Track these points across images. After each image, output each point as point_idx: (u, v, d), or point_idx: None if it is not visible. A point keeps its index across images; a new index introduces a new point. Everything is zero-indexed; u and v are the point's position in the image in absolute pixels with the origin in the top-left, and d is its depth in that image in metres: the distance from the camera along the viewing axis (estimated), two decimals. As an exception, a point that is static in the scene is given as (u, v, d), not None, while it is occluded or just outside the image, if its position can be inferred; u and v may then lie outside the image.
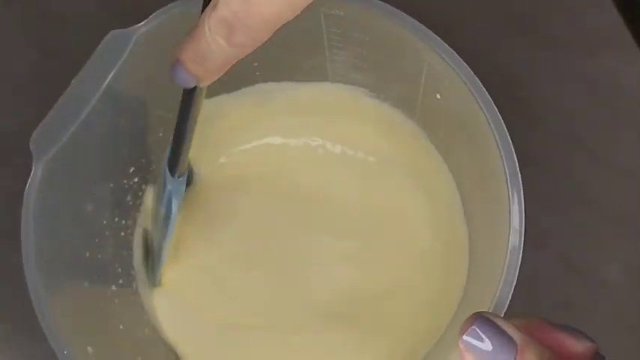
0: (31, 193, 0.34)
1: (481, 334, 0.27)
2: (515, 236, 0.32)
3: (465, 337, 0.27)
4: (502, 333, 0.27)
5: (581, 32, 0.50)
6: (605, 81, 0.49)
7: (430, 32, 0.35)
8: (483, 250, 0.38)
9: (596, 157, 0.47)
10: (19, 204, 0.46)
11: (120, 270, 0.40)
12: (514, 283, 0.32)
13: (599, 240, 0.46)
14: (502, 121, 0.34)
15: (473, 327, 0.27)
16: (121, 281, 0.40)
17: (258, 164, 0.45)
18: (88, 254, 0.37)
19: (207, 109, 0.35)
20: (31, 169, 0.46)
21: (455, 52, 0.35)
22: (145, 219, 0.42)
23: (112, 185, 0.40)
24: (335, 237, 0.43)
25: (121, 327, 0.38)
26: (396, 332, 0.41)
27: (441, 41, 0.35)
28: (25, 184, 0.47)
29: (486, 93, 0.34)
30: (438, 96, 0.38)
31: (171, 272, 0.42)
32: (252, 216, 0.44)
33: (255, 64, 0.41)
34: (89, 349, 0.33)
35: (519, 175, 0.33)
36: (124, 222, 0.41)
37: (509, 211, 0.32)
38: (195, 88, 0.32)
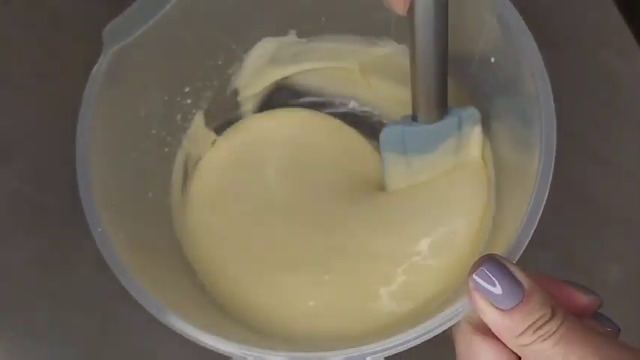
0: (95, 78, 0.36)
1: (490, 275, 0.28)
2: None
3: (474, 276, 0.28)
4: (510, 276, 0.28)
5: (581, 32, 0.50)
6: (605, 81, 0.49)
7: None
8: (508, 213, 0.37)
9: (596, 157, 0.47)
10: (19, 204, 0.46)
11: (157, 182, 0.41)
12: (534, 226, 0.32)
13: (599, 240, 0.46)
14: (552, 98, 0.34)
15: (482, 267, 0.28)
16: (158, 192, 0.41)
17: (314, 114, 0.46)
18: (133, 155, 0.39)
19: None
20: (30, 170, 0.46)
21: (519, 14, 0.35)
22: (188, 145, 0.43)
23: (166, 98, 0.41)
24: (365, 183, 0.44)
25: (152, 231, 0.40)
26: (418, 275, 0.40)
27: (508, 1, 0.35)
28: (25, 184, 0.47)
29: (541, 60, 0.34)
30: (492, 59, 0.38)
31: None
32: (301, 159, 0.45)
33: (323, 16, 0.42)
34: (121, 234, 0.34)
35: (554, 150, 0.33)
36: (169, 139, 0.42)
37: (536, 180, 0.33)
38: None
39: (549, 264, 0.45)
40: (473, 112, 0.39)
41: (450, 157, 0.41)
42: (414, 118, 0.39)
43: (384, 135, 0.40)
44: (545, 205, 0.32)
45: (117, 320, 0.43)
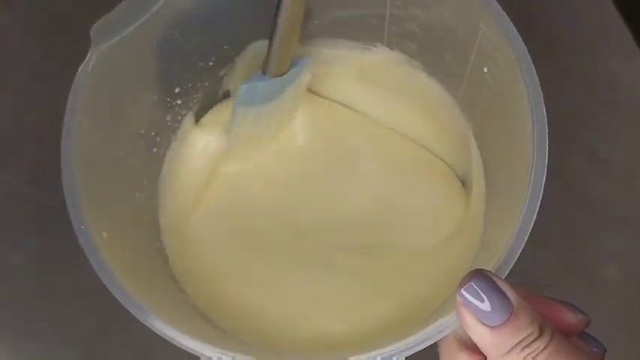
0: (82, 76, 0.35)
1: (478, 290, 0.28)
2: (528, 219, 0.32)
3: (462, 291, 0.28)
4: (499, 292, 0.28)
5: (581, 32, 0.50)
6: (605, 81, 0.49)
7: None
8: (499, 221, 0.37)
9: (596, 157, 0.47)
10: (19, 204, 0.46)
11: (145, 182, 0.41)
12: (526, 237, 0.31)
13: (599, 240, 0.46)
14: (544, 107, 0.33)
15: (471, 283, 0.28)
16: (144, 193, 0.41)
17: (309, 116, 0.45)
18: (121, 154, 0.38)
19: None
20: (30, 170, 0.46)
21: (512, 23, 0.35)
22: (178, 146, 0.43)
23: (155, 98, 0.40)
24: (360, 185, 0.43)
25: (138, 231, 0.39)
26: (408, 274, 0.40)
27: (501, 9, 0.35)
28: (25, 185, 0.47)
29: (534, 72, 0.34)
30: (485, 69, 0.37)
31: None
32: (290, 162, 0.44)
33: (316, 19, 0.42)
34: (104, 234, 0.34)
35: (546, 162, 0.33)
36: (158, 139, 0.42)
37: (528, 188, 0.32)
38: None
39: (548, 264, 0.45)
40: (307, 60, 0.42)
41: (289, 102, 0.42)
42: (263, 72, 0.40)
43: (240, 93, 0.40)
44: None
45: (117, 320, 0.43)
